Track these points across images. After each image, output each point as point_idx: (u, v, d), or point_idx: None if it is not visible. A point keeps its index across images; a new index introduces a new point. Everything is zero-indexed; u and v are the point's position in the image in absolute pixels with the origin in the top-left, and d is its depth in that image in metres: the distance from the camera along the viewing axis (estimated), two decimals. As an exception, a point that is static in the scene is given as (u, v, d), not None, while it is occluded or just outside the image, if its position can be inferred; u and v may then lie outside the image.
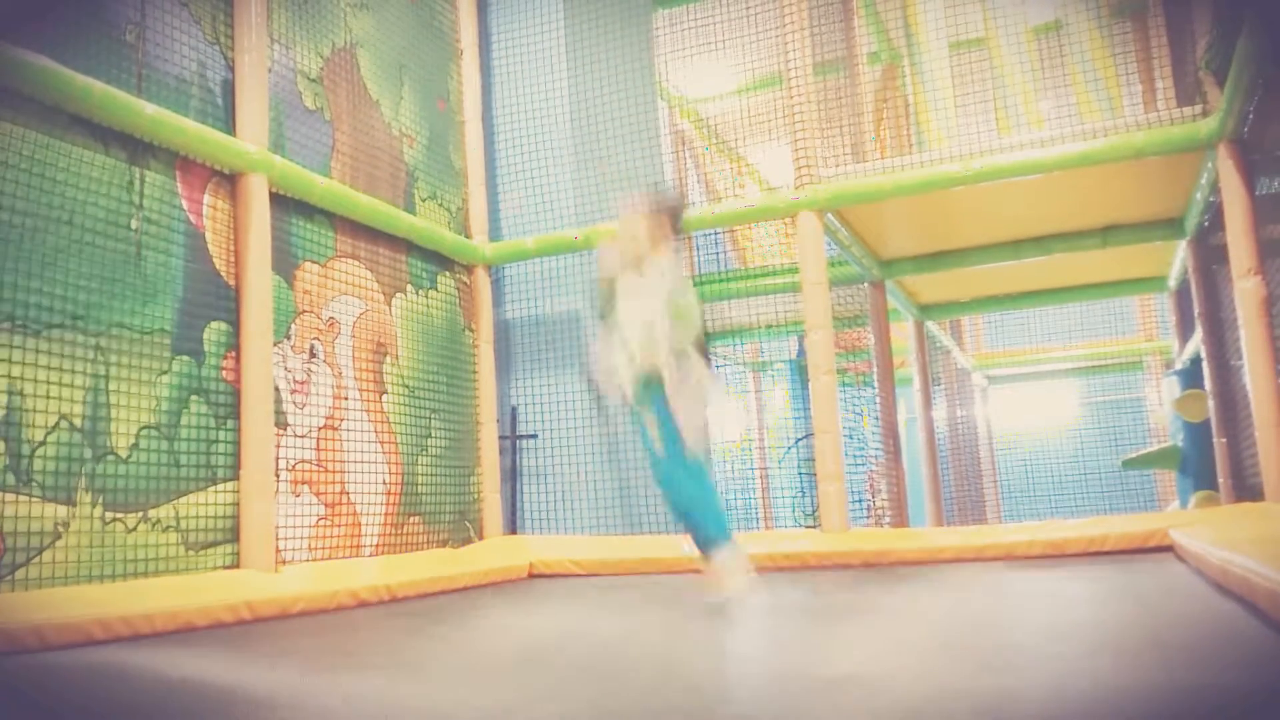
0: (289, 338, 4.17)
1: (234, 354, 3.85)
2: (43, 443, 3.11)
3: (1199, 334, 5.73)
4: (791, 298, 6.62)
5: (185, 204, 3.75)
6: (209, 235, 3.83)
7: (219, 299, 3.83)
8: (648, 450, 3.24)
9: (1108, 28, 5.83)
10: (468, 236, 5.51)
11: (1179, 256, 6.41)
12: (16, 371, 3.05)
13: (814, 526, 4.77)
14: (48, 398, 3.14)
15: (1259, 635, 2.02)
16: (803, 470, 8.31)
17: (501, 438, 5.53)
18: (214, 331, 3.80)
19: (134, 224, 3.52)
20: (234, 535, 3.74)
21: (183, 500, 3.58)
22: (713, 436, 3.44)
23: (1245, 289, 4.12)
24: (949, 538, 4.32)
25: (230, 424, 3.80)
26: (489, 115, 5.90)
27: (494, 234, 5.71)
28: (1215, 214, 4.81)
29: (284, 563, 3.93)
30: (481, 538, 5.27)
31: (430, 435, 5.01)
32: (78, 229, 3.29)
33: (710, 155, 8.59)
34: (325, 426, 4.31)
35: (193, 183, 3.79)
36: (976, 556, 4.12)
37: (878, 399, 6.64)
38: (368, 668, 2.31)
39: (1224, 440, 5.56)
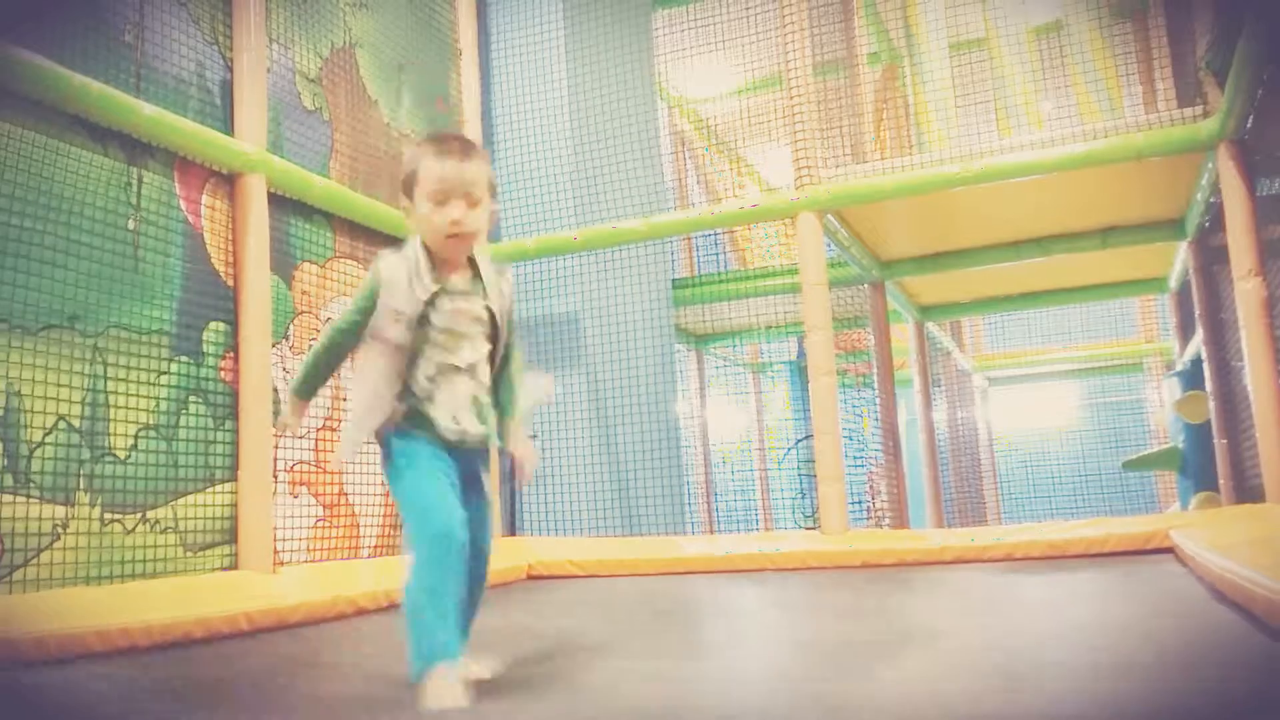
0: (288, 338, 4.16)
1: (232, 355, 3.84)
2: (41, 443, 3.10)
3: (1200, 335, 5.72)
4: (791, 299, 6.62)
5: (184, 204, 3.74)
6: (207, 236, 3.82)
7: (217, 299, 3.83)
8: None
9: (1108, 28, 5.82)
10: (467, 237, 5.50)
11: (1180, 257, 6.40)
12: (15, 372, 3.04)
13: (814, 528, 4.76)
14: (46, 398, 3.13)
15: (1256, 640, 2.02)
16: (802, 471, 8.30)
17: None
18: (212, 332, 3.79)
19: (132, 224, 3.51)
20: (232, 536, 3.74)
21: (181, 501, 3.57)
22: None
23: (1246, 290, 4.11)
24: (949, 539, 4.31)
25: (229, 425, 3.79)
26: (488, 115, 5.89)
27: (493, 235, 5.71)
28: (1216, 215, 4.80)
29: (282, 564, 3.93)
30: (481, 539, 5.26)
31: (429, 436, 4.99)
32: (76, 229, 3.29)
33: (710, 156, 8.59)
34: (324, 428, 4.30)
35: (191, 183, 3.78)
36: (977, 558, 4.11)
37: (878, 400, 6.64)
38: (366, 667, 2.30)
39: (1225, 442, 5.55)
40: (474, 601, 2.11)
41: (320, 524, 4.21)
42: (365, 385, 2.10)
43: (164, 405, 3.55)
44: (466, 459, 2.06)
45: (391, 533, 4.62)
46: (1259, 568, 2.24)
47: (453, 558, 1.88)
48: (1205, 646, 2.04)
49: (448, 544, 1.88)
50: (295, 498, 4.10)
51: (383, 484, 4.57)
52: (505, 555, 4.71)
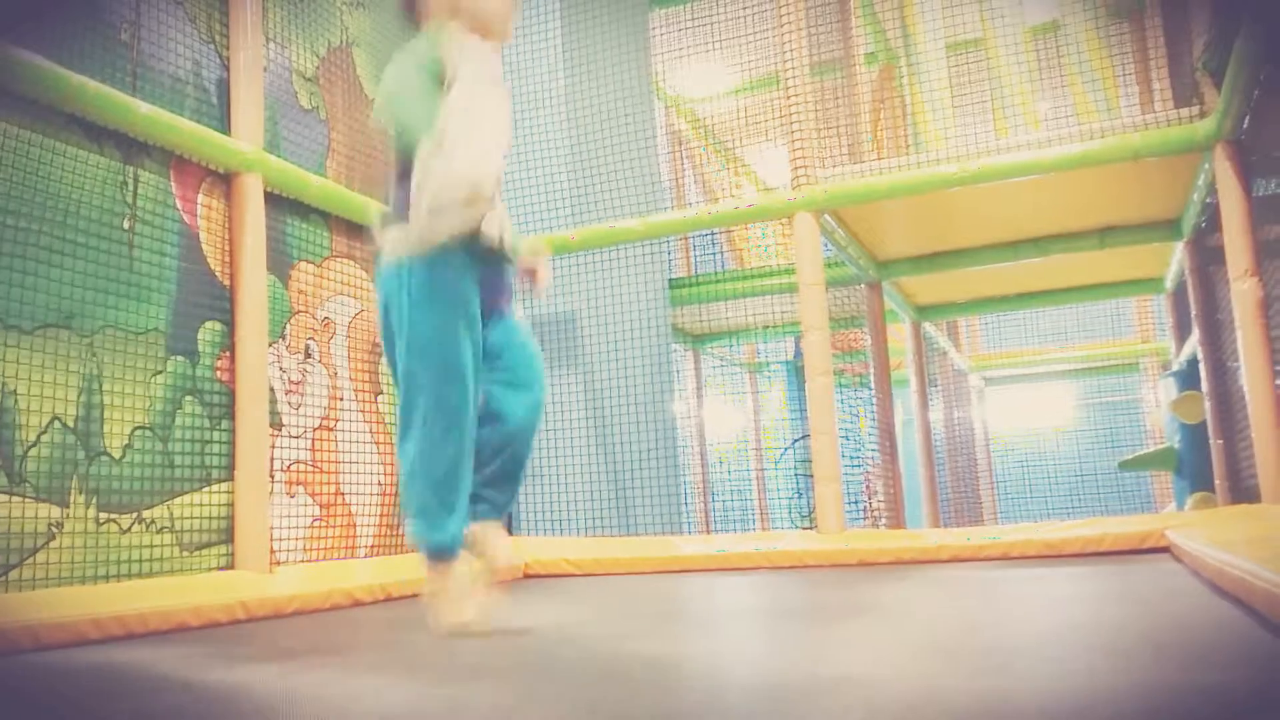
0: (284, 338, 4.16)
1: (229, 354, 3.84)
2: (35, 443, 3.09)
3: (1196, 335, 5.73)
4: (788, 299, 6.62)
5: (180, 204, 3.73)
6: (203, 235, 3.82)
7: (213, 299, 3.82)
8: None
9: (1105, 28, 5.83)
10: (464, 237, 5.49)
11: (1176, 258, 6.41)
12: (9, 371, 3.03)
13: (810, 528, 4.76)
14: (41, 398, 3.12)
15: (1255, 636, 2.02)
16: (799, 471, 8.31)
17: (497, 438, 5.51)
18: (208, 332, 3.78)
19: (128, 223, 3.50)
20: (228, 536, 3.73)
21: (177, 501, 3.56)
22: None
23: (1242, 290, 4.12)
24: (946, 538, 4.31)
25: (225, 424, 3.78)
26: (485, 115, 5.88)
27: (490, 234, 5.69)
28: (1212, 215, 4.81)
29: (278, 564, 3.92)
30: (477, 539, 5.25)
31: (426, 436, 4.98)
32: (71, 228, 3.28)
33: (707, 156, 8.59)
34: (320, 427, 4.30)
35: (187, 182, 3.77)
36: (973, 557, 4.12)
37: (874, 400, 6.64)
38: (362, 668, 2.30)
39: (1220, 442, 5.56)
40: (512, 474, 1.97)
41: (317, 524, 4.21)
42: (475, 145, 1.88)
43: (159, 405, 3.55)
44: (494, 271, 1.94)
45: (389, 532, 4.61)
46: (1258, 561, 2.24)
47: (468, 441, 1.81)
48: (1204, 643, 2.04)
49: (463, 427, 1.79)
50: (292, 497, 4.09)
51: (380, 483, 4.59)
52: (502, 555, 4.71)
